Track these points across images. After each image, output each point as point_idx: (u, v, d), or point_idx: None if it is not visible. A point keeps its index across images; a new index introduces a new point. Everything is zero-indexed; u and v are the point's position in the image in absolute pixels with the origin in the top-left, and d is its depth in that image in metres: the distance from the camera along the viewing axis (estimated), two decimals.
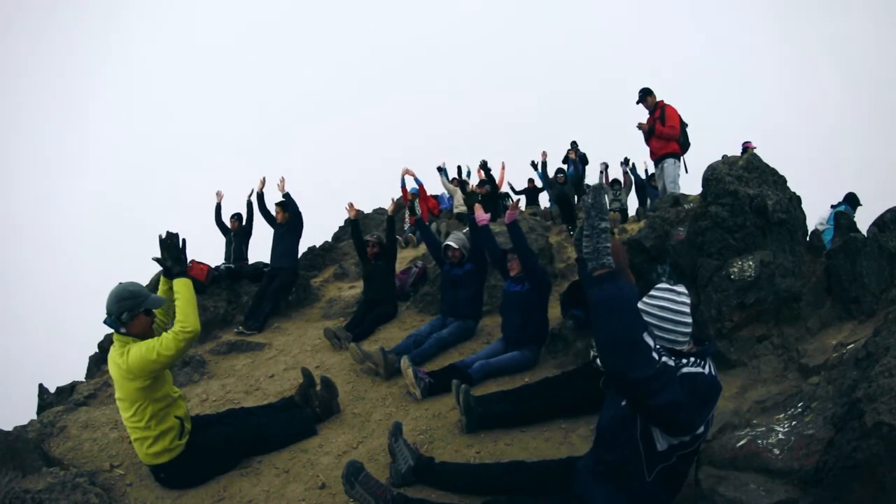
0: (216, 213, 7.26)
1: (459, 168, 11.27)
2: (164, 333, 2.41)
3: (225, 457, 2.75)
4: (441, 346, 4.18)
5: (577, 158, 10.92)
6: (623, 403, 1.80)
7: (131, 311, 2.47)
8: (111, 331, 2.50)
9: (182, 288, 2.51)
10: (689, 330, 1.77)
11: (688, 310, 1.78)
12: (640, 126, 6.30)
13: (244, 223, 7.13)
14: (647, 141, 6.38)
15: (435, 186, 10.77)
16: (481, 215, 4.03)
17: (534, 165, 10.40)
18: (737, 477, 1.95)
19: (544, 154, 10.77)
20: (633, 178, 10.31)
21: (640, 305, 1.83)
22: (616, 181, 10.34)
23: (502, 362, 3.67)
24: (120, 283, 2.55)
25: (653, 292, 1.85)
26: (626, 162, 10.37)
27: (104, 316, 2.48)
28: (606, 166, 10.84)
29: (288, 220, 5.97)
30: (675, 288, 1.81)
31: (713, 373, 1.73)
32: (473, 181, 10.58)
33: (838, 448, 1.68)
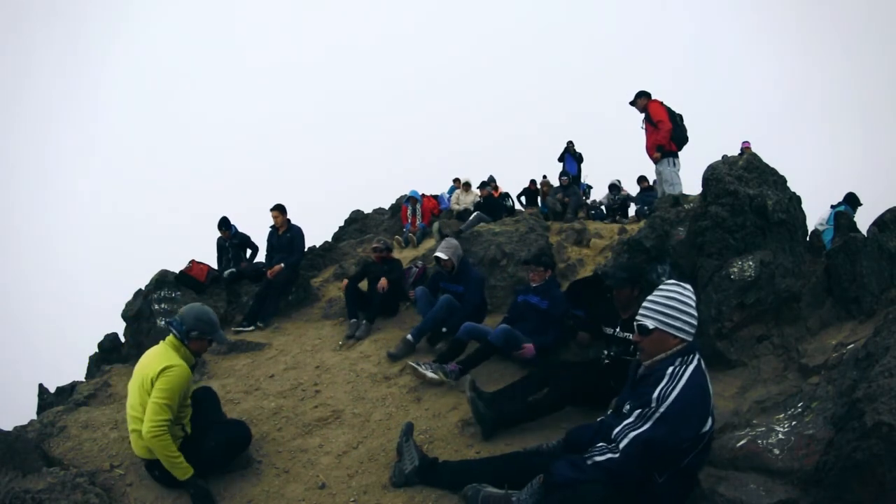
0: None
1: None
2: (167, 423, 2.43)
3: (214, 465, 2.67)
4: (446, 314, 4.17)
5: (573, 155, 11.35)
6: (632, 413, 1.86)
7: (202, 333, 2.66)
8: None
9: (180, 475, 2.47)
10: (694, 322, 1.90)
11: (693, 303, 1.91)
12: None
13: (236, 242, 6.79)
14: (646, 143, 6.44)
15: (434, 188, 10.83)
16: (526, 352, 3.54)
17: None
18: (737, 477, 1.95)
19: (532, 184, 11.87)
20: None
21: (650, 297, 1.97)
22: (615, 185, 10.34)
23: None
24: (204, 306, 2.77)
25: (661, 286, 1.99)
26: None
27: (174, 319, 2.67)
28: (590, 188, 11.88)
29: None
30: (681, 283, 1.97)
31: (701, 369, 1.84)
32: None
33: (838, 448, 1.68)
